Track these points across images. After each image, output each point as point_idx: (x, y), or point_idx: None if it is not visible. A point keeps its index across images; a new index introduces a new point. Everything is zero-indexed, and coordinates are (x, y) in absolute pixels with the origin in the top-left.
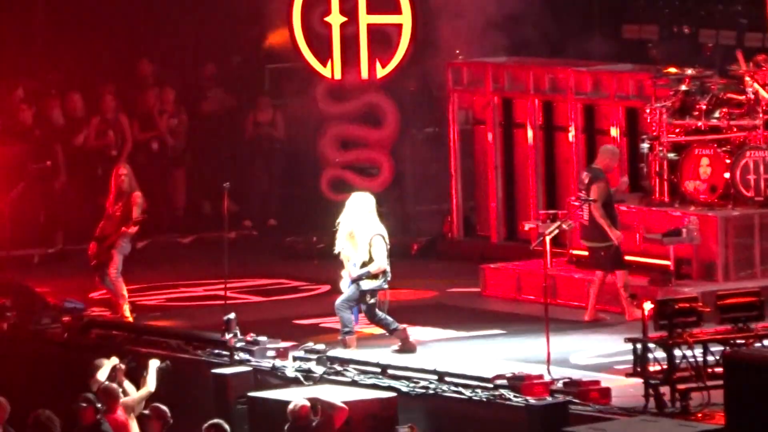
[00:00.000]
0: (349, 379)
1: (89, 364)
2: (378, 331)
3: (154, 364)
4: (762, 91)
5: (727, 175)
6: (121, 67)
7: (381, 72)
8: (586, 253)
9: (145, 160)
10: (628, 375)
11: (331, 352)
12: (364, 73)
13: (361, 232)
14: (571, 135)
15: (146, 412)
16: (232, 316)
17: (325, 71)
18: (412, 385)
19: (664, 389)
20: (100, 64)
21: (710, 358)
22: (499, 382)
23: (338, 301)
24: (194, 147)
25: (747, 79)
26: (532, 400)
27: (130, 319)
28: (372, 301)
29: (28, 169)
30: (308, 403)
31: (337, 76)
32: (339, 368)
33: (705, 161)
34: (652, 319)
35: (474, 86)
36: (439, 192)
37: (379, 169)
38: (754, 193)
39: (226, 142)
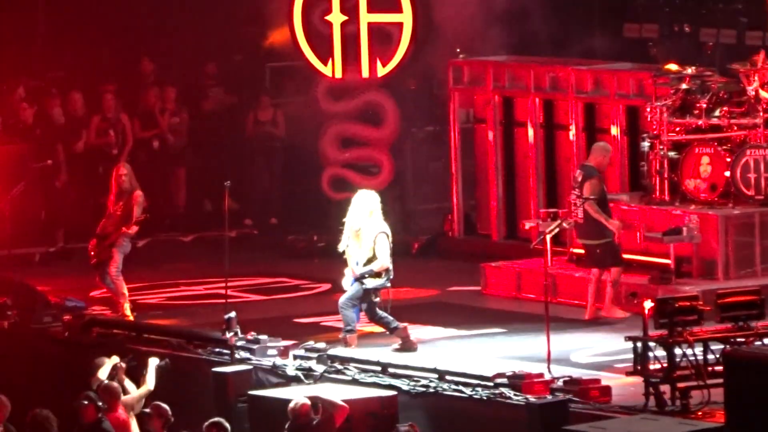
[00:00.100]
0: (349, 378)
1: (90, 362)
2: (378, 329)
3: (153, 363)
4: (762, 92)
5: (727, 173)
6: (122, 66)
7: (382, 71)
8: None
9: (146, 159)
10: (628, 373)
11: (332, 351)
12: (365, 72)
13: (365, 231)
14: (571, 134)
15: (147, 410)
16: (232, 314)
17: (326, 70)
18: (412, 383)
19: (665, 388)
20: (101, 63)
21: (710, 356)
22: (499, 380)
23: (342, 299)
24: (195, 145)
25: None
26: (532, 399)
27: (131, 318)
28: (375, 299)
29: (29, 168)
30: (309, 402)
31: (338, 74)
32: (339, 367)
33: (705, 160)
34: (653, 317)
35: (475, 85)
36: (440, 190)
37: (379, 168)
38: (755, 192)
39: (227, 141)
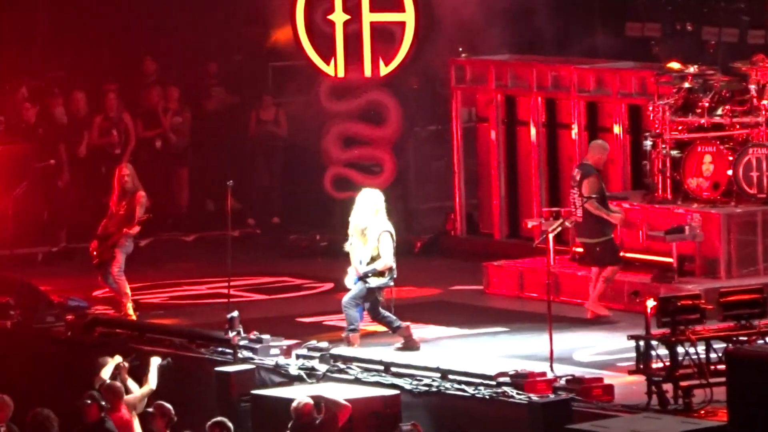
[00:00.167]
0: (352, 377)
1: (93, 362)
2: (381, 329)
3: (155, 362)
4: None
5: (729, 172)
6: (124, 65)
7: (384, 70)
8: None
9: (148, 159)
10: (630, 372)
11: (335, 350)
12: (367, 71)
13: (369, 229)
14: (573, 132)
15: (150, 409)
16: (235, 314)
17: (328, 69)
18: (415, 382)
19: (667, 386)
20: (103, 63)
21: (713, 355)
22: (502, 379)
23: (345, 298)
24: (197, 145)
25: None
26: (535, 398)
27: (134, 317)
28: (378, 298)
29: (32, 168)
30: (311, 401)
31: (340, 74)
32: (342, 366)
33: (708, 158)
34: (655, 316)
35: (477, 84)
36: (442, 189)
37: (382, 167)
38: (757, 190)
39: (230, 141)
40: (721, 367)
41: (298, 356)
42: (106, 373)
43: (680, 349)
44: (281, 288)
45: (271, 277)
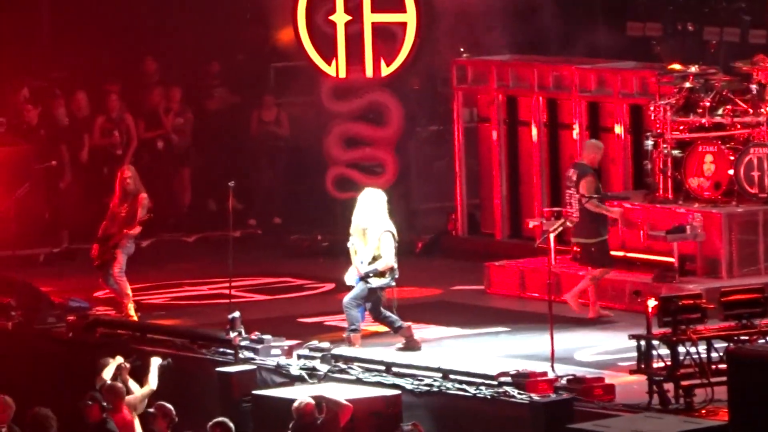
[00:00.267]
0: (353, 377)
1: (94, 362)
2: (382, 329)
3: (155, 362)
4: None
5: (731, 171)
6: (126, 66)
7: (385, 70)
8: None
9: (150, 159)
10: (632, 372)
11: (336, 350)
12: (369, 72)
13: (371, 229)
14: (575, 132)
15: (151, 410)
16: (236, 314)
17: (330, 70)
18: (416, 382)
19: (668, 386)
20: (105, 64)
21: (714, 354)
22: (503, 379)
23: (346, 298)
24: (199, 145)
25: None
26: (536, 397)
27: (135, 318)
28: (379, 298)
29: (34, 169)
30: (313, 401)
31: (342, 74)
32: (343, 366)
33: (709, 158)
34: (656, 315)
35: (478, 84)
36: (444, 190)
37: (383, 167)
38: (758, 190)
39: (231, 141)
40: (722, 366)
41: (299, 356)
42: (107, 374)
43: (681, 349)
44: (283, 288)
45: (272, 277)
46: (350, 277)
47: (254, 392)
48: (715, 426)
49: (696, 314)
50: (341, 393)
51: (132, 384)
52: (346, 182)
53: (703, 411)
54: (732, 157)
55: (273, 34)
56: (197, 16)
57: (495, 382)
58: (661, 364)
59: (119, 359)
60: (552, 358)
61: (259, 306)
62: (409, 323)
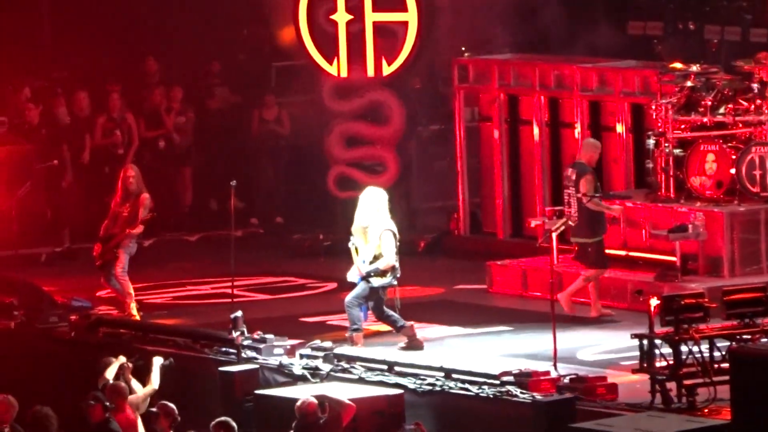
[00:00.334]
0: (356, 377)
1: (97, 362)
2: (385, 328)
3: (157, 362)
4: None
5: (732, 170)
6: (127, 65)
7: (387, 69)
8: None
9: (151, 159)
10: (634, 371)
11: (338, 350)
12: (370, 71)
13: (371, 228)
14: (576, 131)
15: (153, 409)
16: (239, 314)
17: (331, 69)
18: (418, 382)
19: (671, 385)
20: (106, 63)
21: (716, 353)
22: (505, 378)
23: (348, 297)
24: (201, 145)
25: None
26: (538, 397)
27: (137, 318)
28: (381, 298)
29: (35, 168)
30: (316, 401)
31: (343, 73)
32: (346, 365)
33: (711, 157)
34: (659, 315)
35: (480, 83)
36: (446, 189)
37: (385, 167)
38: (760, 189)
39: (233, 140)
40: (725, 365)
41: (301, 356)
42: (110, 374)
43: (684, 348)
44: (285, 288)
45: (274, 276)
46: (353, 275)
47: (257, 392)
48: (717, 425)
49: (698, 313)
50: (344, 392)
51: (134, 384)
52: (347, 181)
53: (706, 410)
54: (734, 156)
55: (274, 34)
56: (198, 15)
57: (497, 382)
58: (664, 364)
59: (122, 359)
60: (554, 358)
61: (261, 305)
62: (412, 322)
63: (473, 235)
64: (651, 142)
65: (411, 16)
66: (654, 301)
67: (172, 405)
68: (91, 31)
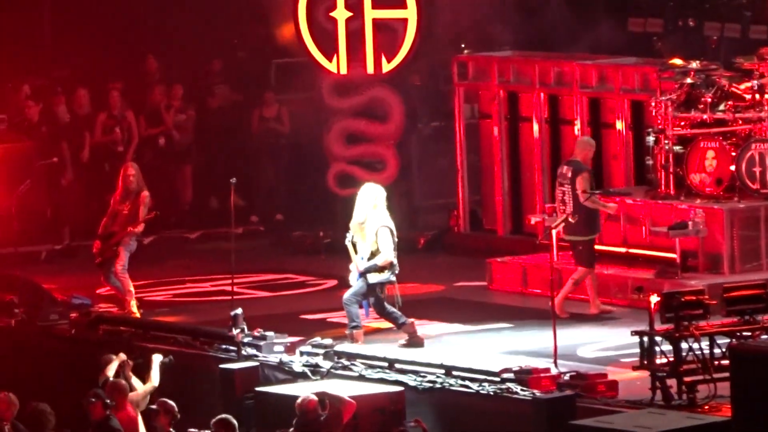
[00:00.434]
0: (356, 374)
1: (97, 359)
2: (385, 325)
3: (157, 360)
4: None
5: (732, 167)
6: (128, 63)
7: (386, 67)
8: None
9: (151, 156)
10: (634, 368)
11: (339, 347)
12: (370, 68)
13: (368, 224)
14: (576, 128)
15: (153, 407)
16: (239, 311)
17: (331, 66)
18: (419, 379)
19: (671, 382)
20: (107, 61)
21: (717, 350)
22: (506, 375)
23: (346, 295)
24: (201, 142)
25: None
26: (539, 394)
27: (138, 315)
28: (381, 294)
29: (35, 166)
30: (316, 398)
31: (343, 71)
32: (346, 363)
33: (710, 154)
34: (659, 312)
35: (479, 80)
36: (446, 186)
37: (385, 164)
38: (760, 186)
39: (233, 138)
40: (725, 362)
41: (302, 353)
42: (110, 371)
43: (684, 345)
44: (285, 285)
45: (274, 274)
46: (353, 277)
47: (257, 389)
48: (718, 422)
49: (698, 310)
50: (344, 389)
51: (135, 381)
52: (347, 179)
53: (706, 407)
54: (733, 153)
55: (274, 31)
56: (198, 14)
57: (498, 379)
58: (664, 360)
59: (122, 356)
60: (555, 355)
61: (261, 303)
62: (412, 320)
63: (473, 232)
64: (651, 139)
65: (410, 13)
66: (654, 298)
67: (172, 402)
68: (91, 30)
